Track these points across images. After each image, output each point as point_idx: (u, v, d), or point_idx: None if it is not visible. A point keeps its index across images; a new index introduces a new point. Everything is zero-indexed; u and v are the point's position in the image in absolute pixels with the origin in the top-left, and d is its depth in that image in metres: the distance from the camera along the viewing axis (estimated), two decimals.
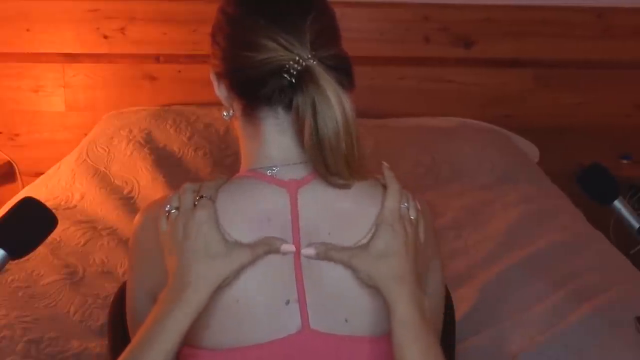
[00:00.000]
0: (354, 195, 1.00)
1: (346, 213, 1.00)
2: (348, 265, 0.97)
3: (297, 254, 0.99)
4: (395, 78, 2.93)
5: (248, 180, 1.02)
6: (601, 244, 2.13)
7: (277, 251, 0.97)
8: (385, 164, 1.03)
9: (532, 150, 2.84)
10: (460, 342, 1.56)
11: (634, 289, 1.81)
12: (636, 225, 1.26)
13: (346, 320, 0.99)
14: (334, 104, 0.93)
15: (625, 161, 2.93)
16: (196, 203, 0.97)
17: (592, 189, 1.29)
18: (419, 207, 1.03)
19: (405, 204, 1.00)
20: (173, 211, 0.97)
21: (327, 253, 0.97)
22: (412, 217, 1.00)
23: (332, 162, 0.96)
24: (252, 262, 0.95)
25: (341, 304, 0.99)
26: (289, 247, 0.97)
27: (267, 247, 0.96)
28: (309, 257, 0.98)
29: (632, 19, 2.92)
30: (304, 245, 0.99)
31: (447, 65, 2.93)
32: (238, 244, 0.95)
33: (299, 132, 0.97)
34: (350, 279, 0.98)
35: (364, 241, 0.98)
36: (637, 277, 1.91)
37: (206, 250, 0.94)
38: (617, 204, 1.27)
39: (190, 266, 0.94)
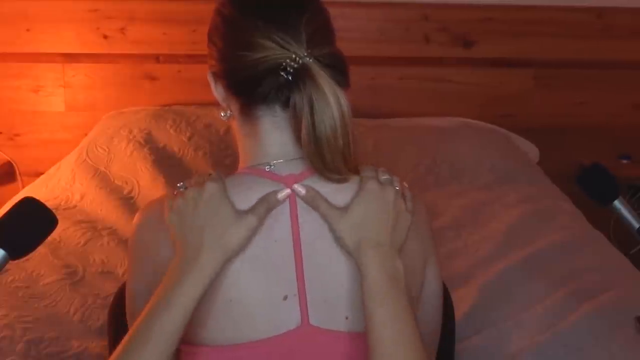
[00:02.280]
0: (351, 190, 1.01)
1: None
2: (326, 220, 0.99)
3: (298, 248, 0.99)
4: (395, 78, 2.93)
5: (247, 177, 1.03)
6: (601, 244, 2.12)
7: (276, 202, 0.99)
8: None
9: (532, 150, 2.84)
10: (460, 342, 1.56)
11: (634, 289, 1.81)
12: (636, 225, 1.26)
13: (346, 318, 0.99)
14: (331, 101, 0.94)
15: (624, 161, 2.93)
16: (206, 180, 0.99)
17: (592, 189, 1.29)
18: (407, 194, 1.03)
19: (386, 176, 1.01)
20: (183, 188, 0.99)
21: (314, 200, 0.99)
22: (396, 187, 1.01)
23: (329, 159, 0.97)
24: (260, 224, 0.97)
25: (342, 301, 1.00)
26: (284, 192, 1.00)
27: (266, 205, 0.98)
28: (298, 194, 1.00)
29: (632, 19, 2.92)
30: (304, 241, 1.00)
31: (447, 65, 2.93)
32: (243, 211, 0.97)
33: (296, 130, 0.98)
34: (350, 273, 0.99)
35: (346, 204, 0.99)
36: (637, 277, 1.90)
37: (218, 218, 0.96)
38: (617, 204, 1.27)
39: (203, 233, 0.95)
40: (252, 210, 0.97)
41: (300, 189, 1.00)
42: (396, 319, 0.94)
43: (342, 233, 0.98)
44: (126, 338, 0.94)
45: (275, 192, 0.99)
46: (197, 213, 0.96)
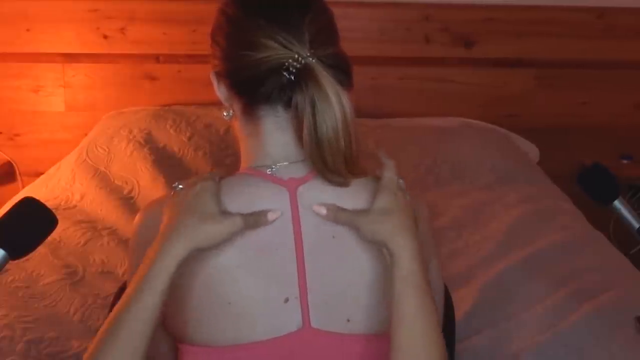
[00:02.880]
0: (353, 193, 1.01)
1: None
2: (353, 225, 0.97)
3: (300, 250, 0.99)
4: (396, 78, 2.93)
5: (248, 179, 1.03)
6: (601, 244, 2.12)
7: (266, 222, 0.97)
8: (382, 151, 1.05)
9: (532, 151, 2.84)
10: (460, 342, 1.56)
11: (634, 289, 1.81)
12: (636, 225, 1.26)
13: (348, 320, 0.99)
14: (333, 102, 0.94)
15: (625, 161, 2.93)
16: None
17: (592, 189, 1.29)
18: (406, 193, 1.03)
19: (401, 180, 1.02)
20: (179, 188, 1.01)
21: (336, 214, 0.98)
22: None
23: (330, 160, 0.96)
24: (242, 231, 0.95)
25: (343, 303, 0.99)
26: (275, 215, 0.98)
27: (255, 221, 0.97)
28: (319, 214, 0.98)
29: (633, 19, 2.92)
30: (306, 243, 0.99)
31: (448, 65, 2.93)
32: (232, 214, 0.96)
33: (298, 130, 0.98)
34: (352, 276, 0.99)
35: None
36: (637, 277, 1.91)
37: (200, 211, 0.95)
38: (617, 204, 1.27)
39: (180, 219, 0.95)
40: (242, 216, 0.96)
41: (322, 211, 0.99)
42: (424, 310, 0.94)
43: (373, 225, 0.96)
44: (99, 332, 0.93)
45: (266, 213, 0.98)
46: (183, 204, 0.97)
